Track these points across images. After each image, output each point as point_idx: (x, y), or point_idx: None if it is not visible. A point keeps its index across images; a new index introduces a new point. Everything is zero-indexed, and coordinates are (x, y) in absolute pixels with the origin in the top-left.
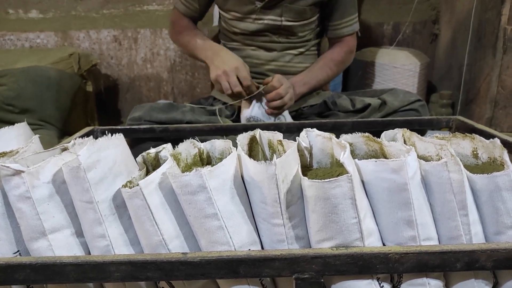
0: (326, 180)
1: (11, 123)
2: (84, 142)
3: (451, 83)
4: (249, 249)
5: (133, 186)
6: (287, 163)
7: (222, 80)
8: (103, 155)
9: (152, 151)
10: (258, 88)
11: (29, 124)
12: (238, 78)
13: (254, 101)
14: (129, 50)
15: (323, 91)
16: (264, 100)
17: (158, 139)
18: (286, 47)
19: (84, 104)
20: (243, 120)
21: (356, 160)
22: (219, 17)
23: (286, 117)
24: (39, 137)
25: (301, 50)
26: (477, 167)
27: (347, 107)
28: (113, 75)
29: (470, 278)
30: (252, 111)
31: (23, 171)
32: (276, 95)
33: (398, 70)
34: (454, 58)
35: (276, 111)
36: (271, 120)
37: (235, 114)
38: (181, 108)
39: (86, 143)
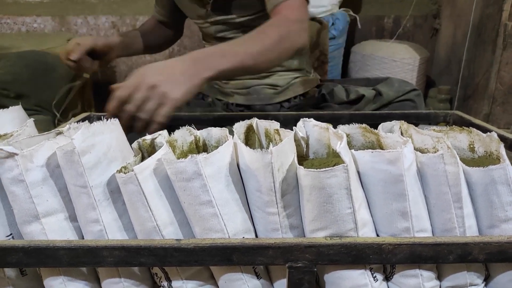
0: (321, 170)
1: (6, 108)
2: (79, 126)
3: (450, 78)
4: (243, 237)
5: (128, 172)
6: (283, 152)
7: None
8: (98, 140)
9: (148, 137)
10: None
11: (25, 109)
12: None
13: None
14: None
15: (317, 78)
16: None
17: None
18: None
19: (81, 90)
20: None
21: (353, 150)
22: None
23: None
24: (34, 121)
25: None
26: (473, 160)
27: (342, 98)
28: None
29: (463, 271)
30: None
31: (16, 154)
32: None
33: (397, 64)
34: (454, 53)
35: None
36: None
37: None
38: None
39: (81, 128)
